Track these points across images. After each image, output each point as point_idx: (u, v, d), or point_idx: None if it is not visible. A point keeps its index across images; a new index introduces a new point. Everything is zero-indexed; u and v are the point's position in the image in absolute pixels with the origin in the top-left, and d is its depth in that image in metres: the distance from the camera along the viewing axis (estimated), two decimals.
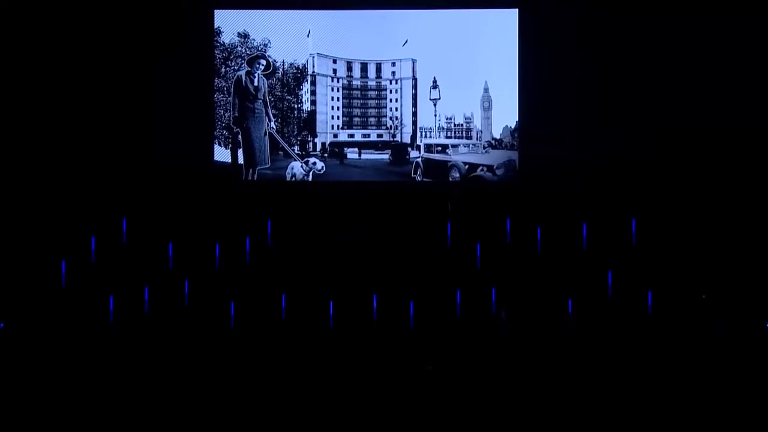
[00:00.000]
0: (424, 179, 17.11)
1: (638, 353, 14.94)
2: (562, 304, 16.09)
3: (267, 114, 17.24)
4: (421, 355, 14.93)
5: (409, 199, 16.82)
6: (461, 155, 17.15)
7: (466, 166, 17.12)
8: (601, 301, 16.07)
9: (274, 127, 17.23)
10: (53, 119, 16.74)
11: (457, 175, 17.09)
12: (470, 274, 16.34)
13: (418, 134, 17.19)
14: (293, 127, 17.28)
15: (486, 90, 17.05)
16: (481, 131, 17.08)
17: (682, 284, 15.99)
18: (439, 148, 17.18)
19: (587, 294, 16.12)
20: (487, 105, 17.06)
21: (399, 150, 17.25)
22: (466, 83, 17.07)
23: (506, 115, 16.98)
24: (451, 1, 16.91)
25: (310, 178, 17.12)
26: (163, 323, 15.94)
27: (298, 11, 17.09)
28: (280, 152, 17.22)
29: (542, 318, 15.88)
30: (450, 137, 17.14)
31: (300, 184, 17.05)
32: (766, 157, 16.44)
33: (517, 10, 16.83)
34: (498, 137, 17.04)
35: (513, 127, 16.97)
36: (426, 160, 17.17)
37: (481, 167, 17.05)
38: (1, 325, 15.44)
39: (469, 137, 17.11)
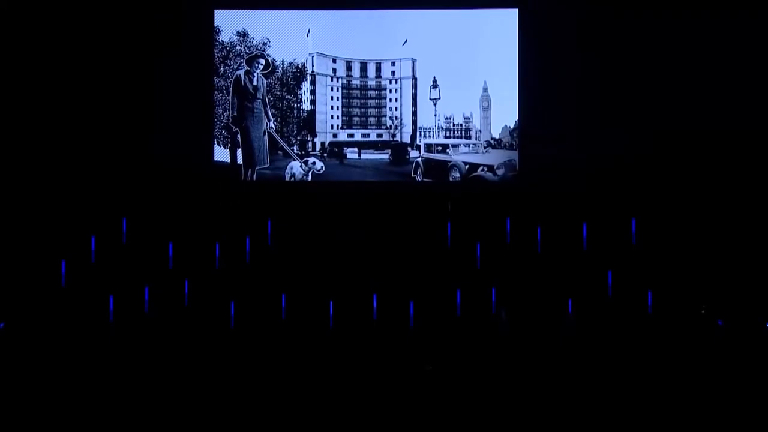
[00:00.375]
0: (425, 179, 17.06)
1: (638, 353, 14.93)
2: (562, 304, 16.09)
3: (266, 113, 17.17)
4: (421, 355, 14.93)
5: (409, 199, 16.79)
6: (462, 155, 17.11)
7: (467, 166, 17.07)
8: (601, 301, 16.07)
9: (273, 126, 17.17)
10: (53, 119, 16.71)
11: (458, 175, 17.04)
12: (470, 274, 16.34)
13: (418, 134, 17.15)
14: (293, 126, 17.23)
15: (485, 89, 17.01)
16: (480, 131, 17.05)
17: (682, 284, 15.99)
18: (440, 148, 17.13)
19: (587, 294, 16.12)
20: (486, 105, 17.02)
21: (399, 150, 17.19)
22: (465, 83, 17.03)
23: (505, 114, 16.95)
24: (451, 1, 16.89)
25: (310, 178, 17.08)
26: (163, 323, 15.92)
27: (297, 10, 17.05)
28: (279, 152, 17.16)
29: (542, 318, 15.88)
30: (449, 137, 17.10)
31: (299, 184, 17.02)
32: (766, 157, 16.44)
33: (517, 10, 16.81)
34: (497, 137, 17.01)
35: (512, 126, 16.94)
36: (426, 160, 17.12)
37: (481, 167, 17.01)
38: (1, 325, 15.43)
39: (468, 137, 17.08)
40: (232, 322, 16.07)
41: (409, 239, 16.56)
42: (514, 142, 16.92)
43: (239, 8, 16.99)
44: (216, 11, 16.94)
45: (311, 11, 17.08)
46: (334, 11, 17.09)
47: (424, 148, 17.12)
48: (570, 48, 16.66)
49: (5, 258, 16.22)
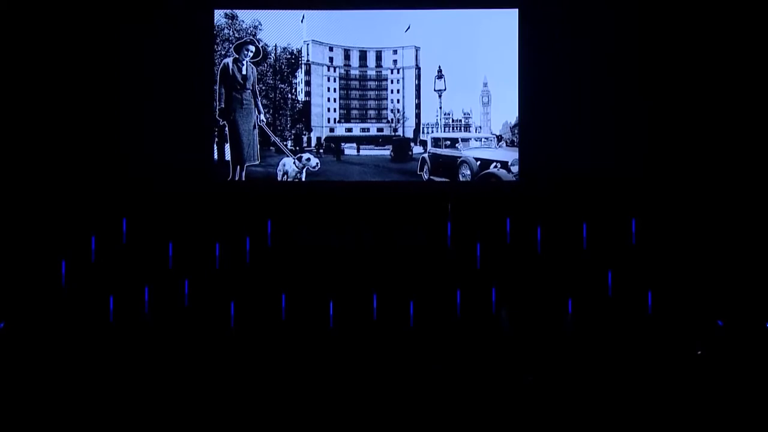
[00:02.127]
0: (432, 177, 16.79)
1: (638, 353, 14.95)
2: (562, 304, 16.11)
3: (256, 105, 16.72)
4: (420, 355, 14.94)
5: (412, 197, 16.71)
6: (473, 150, 16.85)
7: (478, 163, 16.76)
8: (601, 301, 16.09)
9: (265, 119, 16.82)
10: (53, 118, 16.65)
11: (468, 172, 16.70)
12: (470, 274, 16.34)
13: (421, 128, 16.91)
14: (286, 120, 16.88)
15: (485, 84, 16.85)
16: (480, 127, 16.89)
17: (682, 284, 16.01)
18: (448, 143, 16.89)
19: (587, 294, 16.14)
20: (486, 100, 16.88)
21: (401, 145, 16.87)
22: (464, 79, 16.86)
23: (505, 111, 16.84)
24: (451, 0, 16.78)
25: (304, 176, 16.80)
26: (163, 323, 15.95)
27: (296, 10, 16.80)
28: (271, 147, 16.80)
29: (542, 318, 15.90)
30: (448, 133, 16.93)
31: (299, 183, 16.88)
32: (766, 157, 16.43)
33: (517, 10, 16.67)
34: (498, 133, 16.87)
35: (513, 123, 16.82)
36: (433, 156, 16.78)
37: (494, 164, 16.76)
38: (1, 325, 15.44)
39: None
40: (232, 322, 16.09)
41: (409, 238, 16.55)
42: (514, 139, 16.80)
43: (239, 8, 16.77)
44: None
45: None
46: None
47: (431, 142, 16.85)
48: (570, 47, 16.61)
49: (5, 258, 16.22)
